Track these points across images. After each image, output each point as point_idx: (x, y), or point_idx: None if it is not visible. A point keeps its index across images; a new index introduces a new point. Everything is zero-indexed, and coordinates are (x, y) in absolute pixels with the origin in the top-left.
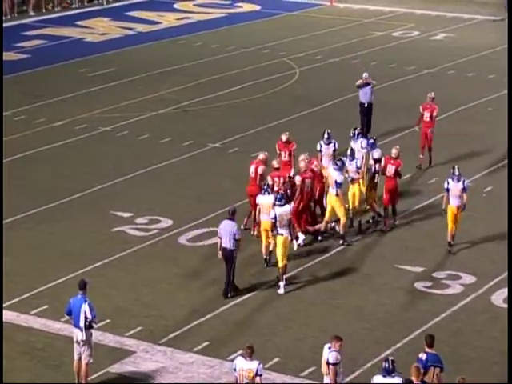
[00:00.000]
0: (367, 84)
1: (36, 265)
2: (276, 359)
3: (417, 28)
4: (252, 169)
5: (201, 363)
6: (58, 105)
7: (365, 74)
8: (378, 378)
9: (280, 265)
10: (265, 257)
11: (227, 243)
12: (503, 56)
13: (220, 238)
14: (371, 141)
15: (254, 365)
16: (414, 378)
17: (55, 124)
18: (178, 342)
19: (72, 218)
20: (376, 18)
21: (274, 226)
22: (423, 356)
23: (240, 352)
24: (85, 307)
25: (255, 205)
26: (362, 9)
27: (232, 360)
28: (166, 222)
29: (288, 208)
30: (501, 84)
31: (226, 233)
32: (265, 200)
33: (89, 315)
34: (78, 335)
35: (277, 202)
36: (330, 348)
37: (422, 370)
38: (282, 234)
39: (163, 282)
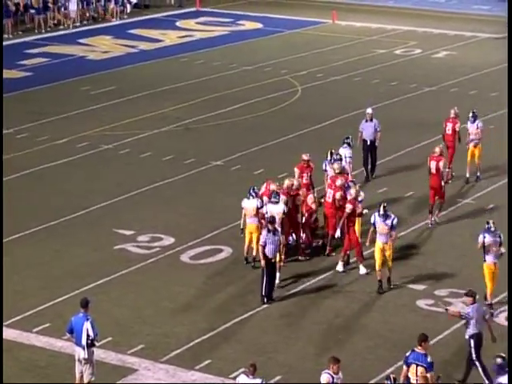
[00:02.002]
0: (371, 120)
1: (38, 282)
2: (278, 377)
3: (419, 46)
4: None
5: (203, 381)
6: (61, 122)
7: (368, 110)
8: None
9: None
10: (245, 255)
11: (270, 254)
12: (505, 74)
13: (263, 247)
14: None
15: (257, 382)
16: None
17: (58, 142)
18: (180, 360)
19: (74, 235)
20: (378, 35)
21: (263, 221)
22: (408, 353)
23: (242, 370)
24: (87, 325)
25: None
26: (363, 26)
27: (234, 378)
28: (168, 240)
29: (281, 207)
30: (502, 102)
31: (270, 243)
32: (249, 204)
33: (91, 333)
34: (80, 353)
35: (272, 199)
36: (326, 372)
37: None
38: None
39: (165, 299)
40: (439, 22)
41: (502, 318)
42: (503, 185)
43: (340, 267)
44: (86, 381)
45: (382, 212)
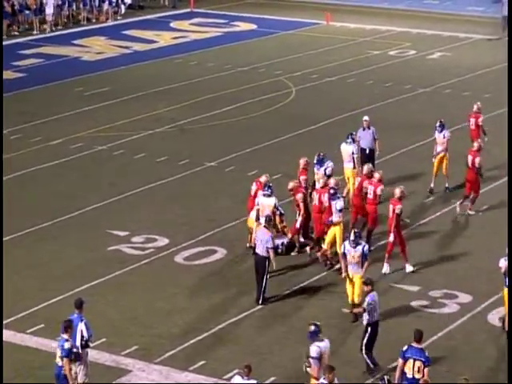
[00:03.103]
0: (368, 128)
1: (33, 283)
2: (272, 378)
3: (413, 47)
4: (253, 187)
5: (197, 382)
6: (54, 123)
7: (365, 117)
8: None
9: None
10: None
11: (260, 249)
12: (499, 75)
13: (255, 245)
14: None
15: (251, 383)
16: None
17: (51, 143)
18: (174, 360)
19: (68, 236)
20: (372, 36)
21: (257, 214)
22: (405, 347)
23: (236, 371)
24: (81, 326)
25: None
26: (358, 28)
27: (228, 379)
28: (163, 241)
29: (272, 201)
30: (496, 103)
31: (259, 240)
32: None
33: (85, 334)
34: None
35: (264, 192)
36: (324, 379)
37: None
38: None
39: (159, 300)
40: (433, 23)
41: (496, 319)
42: (498, 186)
43: (387, 269)
44: (80, 381)
45: (352, 238)
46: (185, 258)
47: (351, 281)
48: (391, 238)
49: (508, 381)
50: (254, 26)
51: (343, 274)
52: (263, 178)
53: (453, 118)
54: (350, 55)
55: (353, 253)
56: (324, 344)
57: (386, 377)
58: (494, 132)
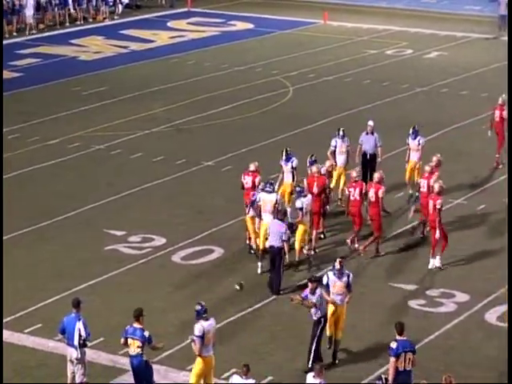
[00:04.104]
0: (372, 133)
1: (29, 283)
2: (270, 377)
3: (410, 46)
4: (247, 179)
5: None
6: (52, 123)
7: (370, 122)
8: None
9: (260, 247)
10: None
11: (275, 242)
12: (496, 74)
13: (267, 238)
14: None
15: (249, 382)
16: None
17: (49, 142)
18: (172, 360)
19: (65, 236)
20: (369, 36)
21: (259, 210)
22: (394, 344)
23: (234, 370)
24: (79, 325)
25: None
26: (355, 27)
27: (226, 378)
28: (160, 241)
29: (274, 197)
30: (493, 102)
31: (273, 232)
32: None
33: (83, 333)
34: (73, 354)
35: (266, 188)
36: (314, 377)
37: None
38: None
39: (156, 300)
40: (430, 22)
41: (493, 318)
42: (497, 185)
43: (434, 264)
44: (77, 381)
45: (337, 267)
46: (182, 258)
47: (334, 312)
48: (437, 234)
49: (508, 381)
50: (250, 26)
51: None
52: (252, 167)
53: (450, 117)
54: (346, 54)
55: (338, 283)
56: (208, 323)
57: (383, 376)
58: (492, 131)
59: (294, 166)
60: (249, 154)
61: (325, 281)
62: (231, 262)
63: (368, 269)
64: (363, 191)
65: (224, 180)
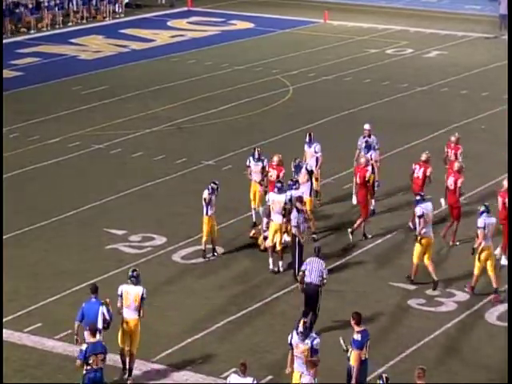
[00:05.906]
0: (369, 137)
1: (29, 282)
2: (269, 377)
3: (410, 45)
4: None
5: (195, 381)
6: (52, 122)
7: (366, 126)
8: None
9: (277, 248)
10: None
11: (314, 279)
12: (496, 74)
13: (303, 272)
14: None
15: (248, 381)
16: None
17: (49, 142)
18: (172, 359)
19: (65, 235)
20: (370, 35)
21: (268, 211)
22: (358, 336)
23: (233, 369)
24: (102, 309)
25: None
26: (355, 26)
27: (226, 377)
28: (160, 240)
29: (283, 198)
30: (493, 101)
31: (313, 269)
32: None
33: (107, 316)
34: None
35: (275, 189)
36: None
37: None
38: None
39: (157, 299)
40: (431, 21)
41: (493, 317)
42: (497, 185)
43: (504, 261)
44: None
45: (300, 329)
46: (182, 257)
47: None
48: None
49: (508, 381)
50: (251, 25)
51: (287, 370)
52: (276, 159)
53: (450, 117)
54: (347, 54)
55: (301, 346)
56: None
57: (384, 375)
58: (492, 130)
59: (316, 150)
60: (249, 153)
61: (289, 340)
62: (232, 261)
63: (368, 268)
64: (366, 178)
65: (225, 179)
